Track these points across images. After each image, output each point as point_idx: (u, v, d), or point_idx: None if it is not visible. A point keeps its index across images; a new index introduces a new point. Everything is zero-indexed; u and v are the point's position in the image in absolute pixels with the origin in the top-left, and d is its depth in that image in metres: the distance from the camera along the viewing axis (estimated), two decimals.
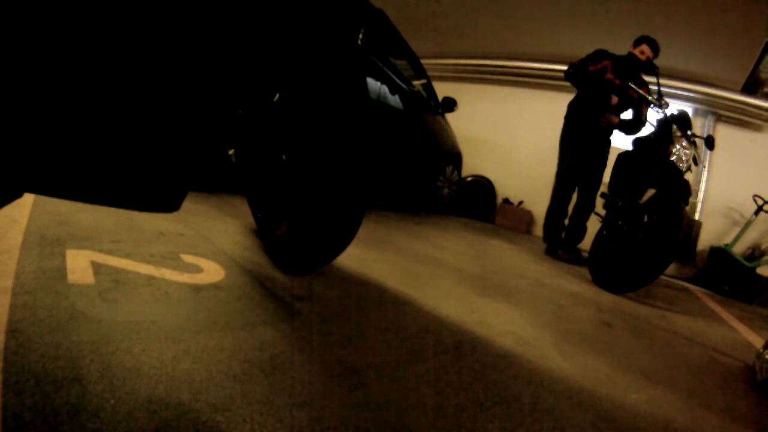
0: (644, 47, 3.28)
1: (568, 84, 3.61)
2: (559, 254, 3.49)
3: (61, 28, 0.45)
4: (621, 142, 3.81)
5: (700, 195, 5.04)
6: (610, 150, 3.50)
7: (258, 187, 1.59)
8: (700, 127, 5.04)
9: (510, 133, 6.25)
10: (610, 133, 3.51)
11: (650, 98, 3.10)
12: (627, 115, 3.51)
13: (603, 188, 3.35)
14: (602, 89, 3.30)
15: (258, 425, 0.64)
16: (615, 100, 3.28)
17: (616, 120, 3.36)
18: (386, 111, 2.95)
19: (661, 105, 3.06)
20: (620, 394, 1.09)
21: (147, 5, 0.50)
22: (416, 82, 3.81)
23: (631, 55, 3.32)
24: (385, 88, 2.90)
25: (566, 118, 3.59)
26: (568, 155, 3.52)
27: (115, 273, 1.04)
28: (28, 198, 1.41)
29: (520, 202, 5.86)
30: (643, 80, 3.32)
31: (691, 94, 5.07)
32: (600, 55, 3.34)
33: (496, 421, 0.81)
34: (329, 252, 1.36)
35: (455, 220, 4.82)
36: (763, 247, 4.64)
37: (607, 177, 3.23)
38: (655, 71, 3.18)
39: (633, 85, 3.20)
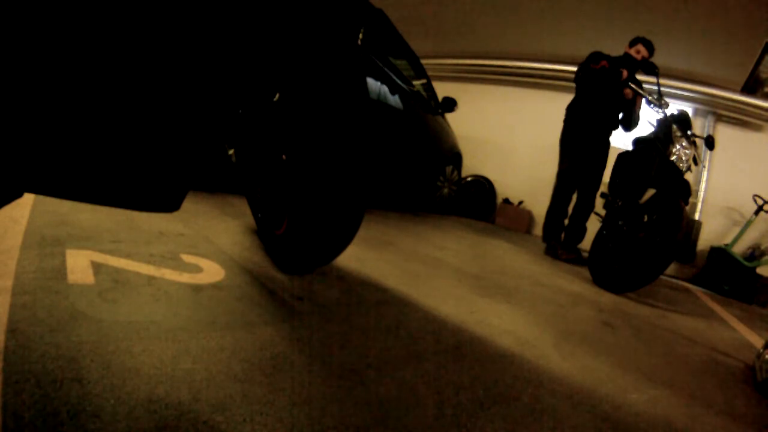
0: (640, 47, 3.31)
1: (567, 84, 3.62)
2: (559, 254, 3.49)
3: (62, 28, 0.45)
4: (621, 142, 3.82)
5: (700, 195, 5.04)
6: (610, 150, 3.51)
7: (258, 187, 1.59)
8: (700, 127, 5.04)
9: (510, 133, 6.25)
10: (609, 134, 3.51)
11: (650, 98, 3.10)
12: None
13: (603, 188, 3.35)
14: (613, 79, 3.28)
15: (258, 425, 0.64)
16: (629, 93, 3.26)
17: (630, 94, 3.29)
18: (386, 111, 2.95)
19: (661, 105, 3.06)
20: (620, 394, 1.09)
21: (147, 5, 0.50)
22: (416, 82, 3.81)
23: (627, 55, 3.34)
24: (385, 88, 2.90)
25: (565, 121, 3.60)
26: (568, 156, 3.53)
27: (115, 273, 1.04)
28: (28, 198, 1.41)
29: (520, 202, 5.86)
30: (637, 80, 3.33)
31: (691, 94, 5.07)
32: (597, 56, 3.35)
33: (496, 421, 0.81)
34: (329, 252, 1.36)
35: (455, 220, 4.82)
36: (763, 247, 4.64)
37: (607, 177, 3.23)
38: (654, 71, 3.19)
39: (632, 84, 3.20)
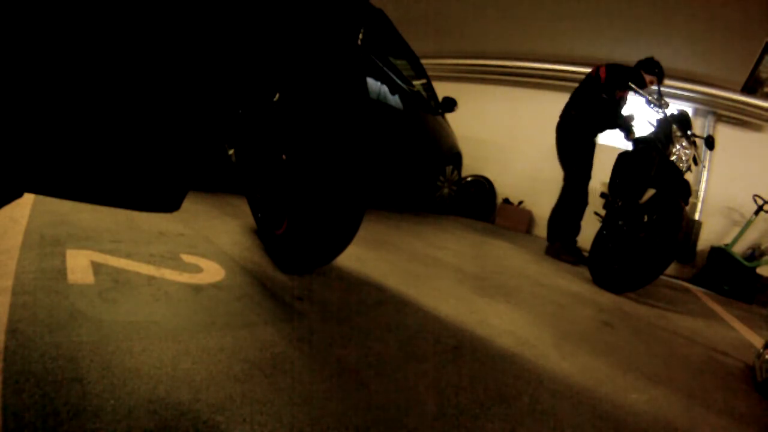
0: (654, 79, 3.32)
1: (567, 84, 3.62)
2: (560, 254, 3.50)
3: (62, 28, 0.45)
4: (621, 142, 3.82)
5: (700, 195, 5.04)
6: (611, 150, 3.51)
7: (258, 187, 1.59)
8: (700, 127, 5.04)
9: (510, 133, 6.25)
10: (595, 134, 3.53)
11: (650, 98, 3.10)
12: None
13: (603, 188, 3.35)
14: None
15: (258, 425, 0.64)
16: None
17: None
18: (386, 111, 2.95)
19: (661, 105, 3.06)
20: (620, 394, 1.09)
21: (147, 5, 0.50)
22: (416, 82, 3.81)
23: (639, 73, 3.33)
24: (385, 88, 2.90)
25: (563, 125, 3.59)
26: (570, 159, 3.54)
27: (115, 273, 1.04)
28: (28, 198, 1.41)
29: (520, 202, 5.86)
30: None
31: (691, 94, 5.07)
32: (624, 79, 3.29)
33: (496, 421, 0.81)
34: (329, 252, 1.36)
35: (455, 220, 4.82)
36: (763, 247, 4.64)
37: (607, 177, 3.23)
38: (655, 71, 3.20)
39: (632, 84, 3.20)
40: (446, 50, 6.43)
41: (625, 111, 3.44)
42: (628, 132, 3.34)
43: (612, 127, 3.47)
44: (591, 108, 3.41)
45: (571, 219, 3.51)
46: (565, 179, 3.60)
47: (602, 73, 3.35)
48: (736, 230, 4.71)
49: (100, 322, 0.81)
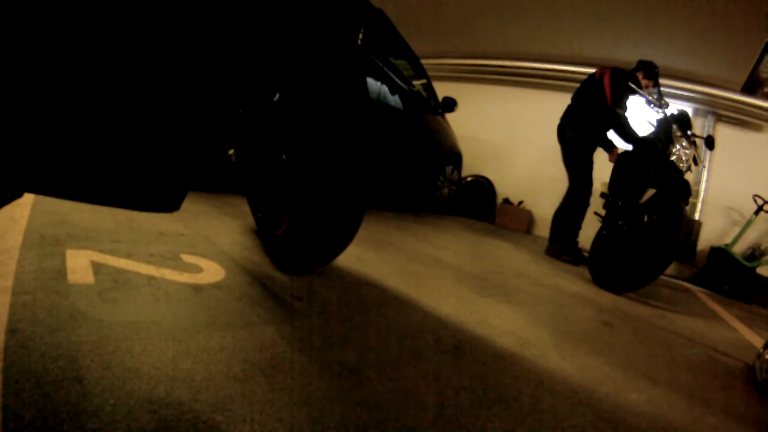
0: (650, 83, 3.31)
1: (566, 84, 3.61)
2: (560, 254, 3.50)
3: (62, 28, 0.45)
4: (621, 142, 3.82)
5: (700, 195, 5.04)
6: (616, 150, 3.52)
7: (258, 187, 1.59)
8: (700, 127, 5.04)
9: (510, 133, 6.25)
10: (597, 136, 3.54)
11: (650, 98, 3.10)
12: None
13: (603, 188, 3.35)
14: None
15: (258, 425, 0.64)
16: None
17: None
18: (386, 111, 2.95)
19: (661, 105, 3.06)
20: (620, 394, 1.09)
21: (147, 5, 0.50)
22: (416, 82, 3.81)
23: (635, 76, 3.33)
24: (385, 88, 2.90)
25: (566, 126, 3.57)
26: (574, 160, 3.53)
27: (115, 273, 1.04)
28: (28, 198, 1.41)
29: (520, 202, 5.86)
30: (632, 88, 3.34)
31: (691, 94, 5.07)
32: (630, 83, 3.32)
33: (496, 421, 0.81)
34: (329, 252, 1.36)
35: (455, 220, 4.82)
36: (763, 247, 4.64)
37: (607, 177, 3.23)
38: (654, 72, 3.19)
39: (632, 85, 3.19)
40: (446, 50, 6.43)
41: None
42: (634, 142, 3.34)
43: (623, 138, 3.45)
44: (593, 111, 3.40)
45: (575, 219, 3.51)
46: (571, 180, 3.60)
47: (606, 81, 3.31)
48: (736, 230, 4.71)
49: (100, 322, 0.81)
